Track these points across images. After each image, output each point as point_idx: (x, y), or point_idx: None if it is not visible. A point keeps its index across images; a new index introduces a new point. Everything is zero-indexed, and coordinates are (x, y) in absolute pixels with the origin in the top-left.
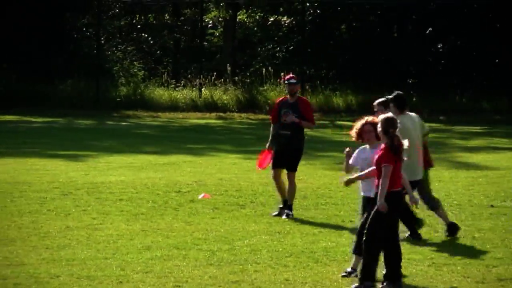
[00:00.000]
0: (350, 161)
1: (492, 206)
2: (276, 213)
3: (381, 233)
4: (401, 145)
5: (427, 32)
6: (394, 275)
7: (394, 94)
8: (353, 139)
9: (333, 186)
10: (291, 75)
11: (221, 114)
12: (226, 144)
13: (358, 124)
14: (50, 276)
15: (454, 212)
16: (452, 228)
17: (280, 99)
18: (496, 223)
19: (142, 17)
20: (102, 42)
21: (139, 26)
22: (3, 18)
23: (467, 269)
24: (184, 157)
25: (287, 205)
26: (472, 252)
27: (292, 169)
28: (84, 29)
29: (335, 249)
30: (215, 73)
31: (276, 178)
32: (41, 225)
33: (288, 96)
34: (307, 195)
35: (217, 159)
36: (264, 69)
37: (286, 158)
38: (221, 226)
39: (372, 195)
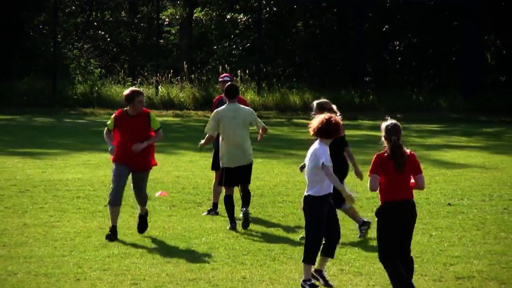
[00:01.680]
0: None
1: (449, 204)
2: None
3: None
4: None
5: (384, 29)
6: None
7: None
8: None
9: (290, 184)
10: (225, 73)
11: (178, 111)
12: (183, 141)
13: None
14: (7, 274)
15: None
16: None
17: (217, 97)
18: (453, 221)
19: (99, 15)
20: (59, 39)
21: (95, 24)
22: None
23: (424, 267)
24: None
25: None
26: (429, 250)
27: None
28: (41, 26)
29: (292, 247)
30: (171, 71)
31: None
32: None
33: (223, 94)
34: (264, 193)
35: (174, 157)
36: (220, 67)
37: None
38: (178, 224)
39: None
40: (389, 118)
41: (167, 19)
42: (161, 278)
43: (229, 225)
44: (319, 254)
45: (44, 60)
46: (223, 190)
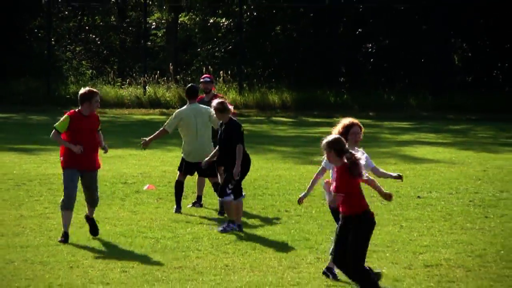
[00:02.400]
0: (323, 164)
1: (419, 197)
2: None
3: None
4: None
5: (357, 33)
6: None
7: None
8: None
9: (270, 178)
10: (206, 74)
11: (164, 110)
12: (169, 138)
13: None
14: (5, 262)
15: (384, 203)
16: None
17: (200, 97)
18: (422, 213)
19: (90, 19)
20: (53, 42)
21: (87, 28)
22: None
23: (395, 256)
24: (130, 151)
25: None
26: (399, 240)
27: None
28: (36, 30)
29: (271, 237)
30: (158, 72)
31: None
32: None
33: (204, 94)
34: (245, 186)
35: (161, 153)
36: (204, 68)
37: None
38: (164, 215)
39: None
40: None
41: (154, 23)
42: (149, 266)
43: (174, 208)
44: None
45: (38, 62)
46: (207, 182)
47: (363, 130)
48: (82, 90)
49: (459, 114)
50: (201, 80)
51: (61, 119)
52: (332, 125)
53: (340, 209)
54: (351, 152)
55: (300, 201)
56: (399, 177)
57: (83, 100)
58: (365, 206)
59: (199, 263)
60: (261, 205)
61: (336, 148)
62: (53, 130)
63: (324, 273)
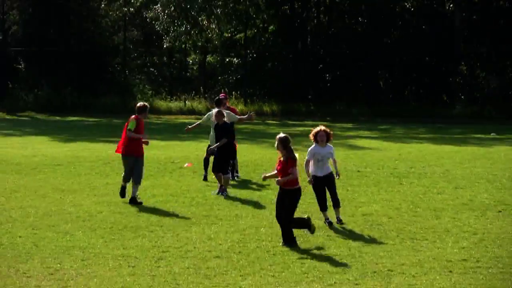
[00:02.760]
0: (307, 157)
1: (358, 171)
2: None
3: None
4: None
5: (319, 67)
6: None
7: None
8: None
9: (264, 159)
10: (222, 93)
11: (198, 116)
12: (201, 133)
13: (314, 130)
14: (97, 212)
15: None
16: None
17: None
18: (360, 181)
19: (150, 59)
20: (127, 73)
21: (148, 64)
22: (68, 60)
23: (343, 209)
24: (176, 142)
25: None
26: (346, 199)
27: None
28: (116, 65)
29: (265, 197)
30: (193, 92)
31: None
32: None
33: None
34: (248, 164)
35: (196, 143)
36: (222, 90)
37: None
38: (198, 183)
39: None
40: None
41: (191, 61)
42: (187, 215)
43: (203, 176)
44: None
45: (118, 86)
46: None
47: (332, 132)
48: (140, 104)
49: (384, 119)
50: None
51: (131, 121)
52: (303, 125)
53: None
54: (290, 148)
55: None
56: (337, 175)
57: (142, 110)
58: (297, 184)
59: (219, 213)
60: (258, 176)
61: (283, 143)
62: (129, 132)
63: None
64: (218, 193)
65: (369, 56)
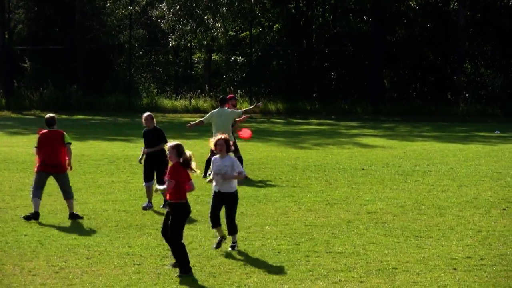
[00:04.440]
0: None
1: (363, 169)
2: None
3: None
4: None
5: (324, 65)
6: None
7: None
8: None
9: (269, 157)
10: (230, 94)
11: (203, 114)
12: (206, 132)
13: (215, 138)
14: (102, 210)
15: (338, 174)
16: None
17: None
18: (365, 179)
19: (156, 57)
20: (132, 72)
21: (154, 62)
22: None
23: (348, 206)
24: (181, 139)
25: None
26: (351, 196)
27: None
28: (121, 64)
29: (269, 195)
30: (199, 90)
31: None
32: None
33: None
34: (253, 162)
35: (200, 141)
36: (228, 88)
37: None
38: (203, 180)
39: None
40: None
41: (196, 59)
42: (194, 210)
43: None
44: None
45: (123, 84)
46: None
47: (232, 142)
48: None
49: (388, 117)
50: (232, 98)
51: (66, 135)
52: (308, 123)
53: (168, 197)
54: (185, 154)
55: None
56: (244, 175)
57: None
58: (181, 198)
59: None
60: (264, 174)
61: (177, 150)
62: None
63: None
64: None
65: (374, 54)
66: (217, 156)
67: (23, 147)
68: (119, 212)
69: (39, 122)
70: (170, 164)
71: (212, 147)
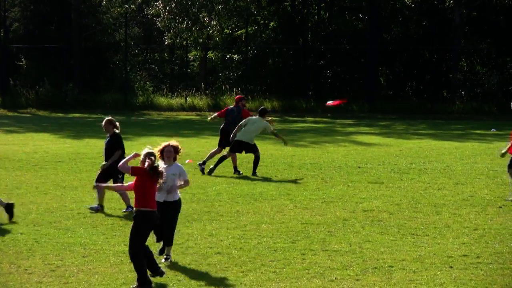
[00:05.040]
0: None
1: (359, 167)
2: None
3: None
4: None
5: (320, 63)
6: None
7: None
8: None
9: (265, 155)
10: (240, 95)
11: (199, 112)
12: (201, 130)
13: (162, 145)
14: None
15: (334, 172)
16: None
17: (226, 107)
18: (361, 177)
19: (151, 55)
20: (128, 70)
21: (149, 60)
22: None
23: (344, 204)
24: (177, 138)
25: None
26: (347, 194)
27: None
28: (117, 62)
29: (265, 193)
30: (194, 88)
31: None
32: None
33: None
34: (249, 160)
35: (197, 139)
36: (223, 86)
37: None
38: (199, 178)
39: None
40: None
41: (192, 57)
42: (189, 211)
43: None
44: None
45: (119, 82)
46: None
47: (180, 149)
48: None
49: (384, 115)
50: (244, 99)
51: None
52: (304, 121)
53: (135, 204)
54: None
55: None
56: (188, 184)
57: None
58: (150, 206)
59: (220, 209)
60: (260, 172)
61: (149, 157)
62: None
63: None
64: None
65: (370, 52)
66: (163, 164)
67: (19, 145)
68: (115, 211)
69: (35, 120)
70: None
71: (158, 154)
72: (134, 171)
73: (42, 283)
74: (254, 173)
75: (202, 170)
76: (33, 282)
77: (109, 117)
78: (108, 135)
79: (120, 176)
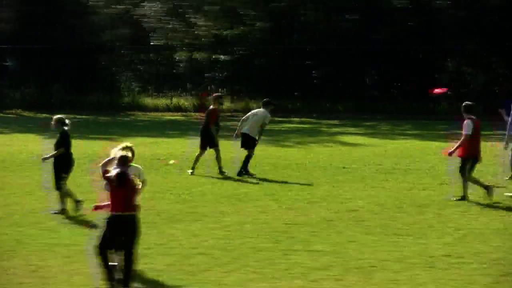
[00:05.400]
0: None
1: (344, 167)
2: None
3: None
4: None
5: (305, 63)
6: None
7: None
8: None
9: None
10: (217, 93)
11: (184, 113)
12: (187, 131)
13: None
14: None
15: (319, 172)
16: None
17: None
18: (346, 177)
19: (136, 55)
20: (114, 71)
21: (135, 61)
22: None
23: (329, 205)
24: (162, 138)
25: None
26: (332, 195)
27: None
28: (103, 63)
29: (250, 193)
30: (180, 89)
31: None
32: None
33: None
34: (235, 161)
35: (181, 140)
36: (209, 87)
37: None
38: (184, 179)
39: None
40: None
41: (178, 58)
42: (175, 210)
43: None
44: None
45: (105, 83)
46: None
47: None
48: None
49: (370, 116)
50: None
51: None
52: (290, 122)
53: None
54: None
55: None
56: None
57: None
58: (112, 209)
59: (204, 210)
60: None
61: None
62: None
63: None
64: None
65: (356, 53)
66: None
67: (4, 146)
68: (99, 211)
69: (20, 121)
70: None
71: (115, 155)
72: (105, 177)
73: (22, 284)
74: (241, 172)
75: (192, 174)
76: (14, 283)
77: (59, 116)
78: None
79: (64, 175)
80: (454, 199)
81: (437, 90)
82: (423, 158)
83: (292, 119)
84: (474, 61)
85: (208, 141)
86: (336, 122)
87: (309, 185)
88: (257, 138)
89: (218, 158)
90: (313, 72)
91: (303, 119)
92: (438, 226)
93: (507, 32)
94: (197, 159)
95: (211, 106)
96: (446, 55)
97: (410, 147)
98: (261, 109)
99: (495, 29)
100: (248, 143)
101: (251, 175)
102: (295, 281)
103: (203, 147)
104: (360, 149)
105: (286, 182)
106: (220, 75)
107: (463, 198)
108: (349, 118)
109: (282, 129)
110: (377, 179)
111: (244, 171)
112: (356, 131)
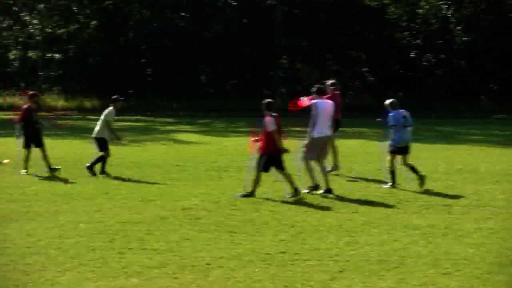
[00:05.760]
0: None
1: (177, 165)
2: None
3: None
4: None
5: (141, 62)
6: None
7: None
8: None
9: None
10: (33, 91)
11: (17, 112)
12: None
13: None
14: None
15: (154, 170)
16: None
17: None
18: (181, 176)
19: None
20: None
21: None
22: None
23: (165, 203)
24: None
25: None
26: (167, 193)
27: None
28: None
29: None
30: (14, 87)
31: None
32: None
33: None
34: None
35: (14, 139)
36: (42, 85)
37: None
38: (17, 178)
39: None
40: None
41: (12, 56)
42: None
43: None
44: None
45: None
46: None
47: None
48: None
49: (205, 113)
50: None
51: None
52: (124, 121)
53: None
54: None
55: None
56: None
57: None
58: None
59: (38, 209)
60: (78, 171)
61: None
62: None
63: None
64: None
65: (191, 50)
66: None
67: None
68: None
69: None
70: None
71: None
72: None
73: None
74: (91, 167)
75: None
76: None
77: None
78: None
79: None
80: (289, 196)
81: (302, 103)
82: (255, 155)
83: (126, 117)
84: (308, 58)
85: (31, 140)
86: (170, 120)
87: (143, 183)
88: (105, 137)
89: (44, 157)
90: (148, 70)
91: (137, 117)
92: (273, 223)
93: (339, 29)
94: (26, 158)
95: (25, 105)
96: (280, 52)
97: (244, 144)
98: (108, 108)
99: (327, 25)
100: (102, 145)
101: (94, 174)
102: (131, 280)
103: (26, 146)
104: (195, 147)
105: (120, 180)
106: (54, 73)
107: (296, 191)
108: (184, 116)
109: (116, 127)
110: (212, 176)
111: (90, 167)
112: (191, 128)
